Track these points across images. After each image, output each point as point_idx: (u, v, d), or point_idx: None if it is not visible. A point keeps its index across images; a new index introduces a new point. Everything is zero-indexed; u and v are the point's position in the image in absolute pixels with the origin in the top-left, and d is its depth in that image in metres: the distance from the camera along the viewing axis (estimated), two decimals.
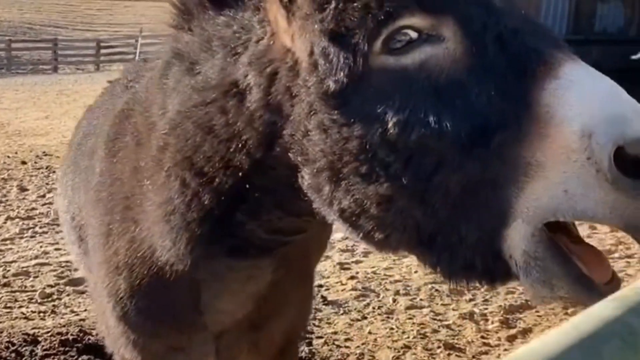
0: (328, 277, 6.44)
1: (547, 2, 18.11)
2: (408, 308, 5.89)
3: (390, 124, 1.67)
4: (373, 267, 6.78)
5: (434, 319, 5.70)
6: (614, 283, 1.64)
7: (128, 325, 2.53)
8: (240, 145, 2.03)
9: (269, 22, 1.96)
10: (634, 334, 1.06)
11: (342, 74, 1.73)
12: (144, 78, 2.63)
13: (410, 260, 6.96)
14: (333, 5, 1.75)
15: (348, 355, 5.20)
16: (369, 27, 1.69)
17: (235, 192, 2.13)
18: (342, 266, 6.73)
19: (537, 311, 5.87)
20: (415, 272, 6.66)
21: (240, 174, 2.07)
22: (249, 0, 2.04)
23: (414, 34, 1.68)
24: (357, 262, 6.93)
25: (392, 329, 5.55)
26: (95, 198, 2.60)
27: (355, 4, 1.71)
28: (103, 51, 40.61)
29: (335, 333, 5.51)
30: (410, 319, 5.72)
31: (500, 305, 5.92)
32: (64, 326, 5.45)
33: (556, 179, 1.53)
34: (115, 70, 33.88)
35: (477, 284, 1.77)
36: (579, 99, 1.52)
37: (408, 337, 5.41)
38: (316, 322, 5.65)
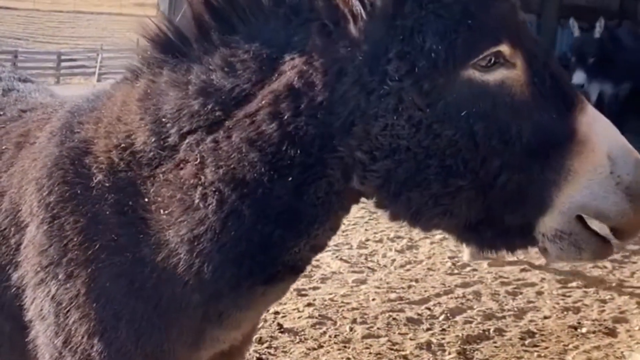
0: (285, 304, 6.33)
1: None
2: (365, 337, 5.80)
3: (476, 128, 2.00)
4: (330, 294, 6.70)
5: (391, 349, 5.63)
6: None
7: None
8: (293, 147, 2.09)
9: (328, 23, 2.07)
10: None
11: (443, 78, 2.01)
12: (83, 117, 2.48)
13: (368, 288, 6.91)
14: (451, 19, 2.03)
15: None
16: (479, 44, 2.02)
17: (284, 205, 2.16)
18: (299, 292, 6.63)
19: (494, 342, 5.85)
20: (373, 299, 6.60)
21: (289, 178, 2.12)
22: (276, 8, 2.12)
23: (496, 56, 2.03)
24: (314, 288, 6.84)
25: (348, 358, 5.46)
26: (41, 250, 2.35)
27: (470, 22, 2.02)
28: (64, 64, 40.06)
29: None
30: (367, 348, 5.63)
31: (458, 336, 5.87)
32: None
33: (585, 183, 2.02)
34: (76, 84, 33.51)
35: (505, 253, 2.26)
36: (603, 131, 2.07)
37: None
38: (272, 351, 5.54)
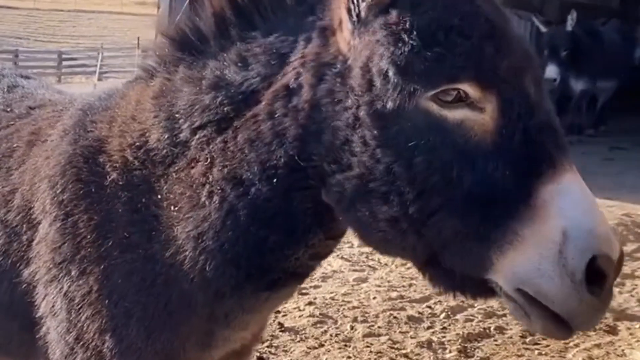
0: (286, 303, 6.32)
1: None
2: (366, 336, 5.80)
3: (417, 160, 1.92)
4: (331, 293, 6.70)
5: (392, 347, 5.63)
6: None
7: None
8: (279, 147, 2.11)
9: (327, 27, 2.10)
10: None
11: (394, 103, 1.94)
12: (96, 116, 2.51)
13: (369, 286, 6.91)
14: (409, 45, 1.93)
15: None
16: (434, 77, 1.91)
17: (275, 209, 2.17)
18: (300, 291, 6.62)
19: (495, 340, 5.85)
20: (374, 298, 6.60)
21: (275, 180, 2.13)
22: (297, 7, 2.16)
23: (462, 94, 1.93)
24: (315, 287, 6.84)
25: (349, 357, 5.46)
26: (54, 247, 2.38)
27: (428, 54, 1.91)
28: (65, 63, 40.04)
29: None
30: (367, 347, 5.63)
31: (459, 334, 5.87)
32: None
33: (533, 256, 1.84)
34: (77, 83, 33.48)
35: (463, 297, 2.10)
36: (569, 205, 1.86)
37: None
38: (272, 350, 5.54)
